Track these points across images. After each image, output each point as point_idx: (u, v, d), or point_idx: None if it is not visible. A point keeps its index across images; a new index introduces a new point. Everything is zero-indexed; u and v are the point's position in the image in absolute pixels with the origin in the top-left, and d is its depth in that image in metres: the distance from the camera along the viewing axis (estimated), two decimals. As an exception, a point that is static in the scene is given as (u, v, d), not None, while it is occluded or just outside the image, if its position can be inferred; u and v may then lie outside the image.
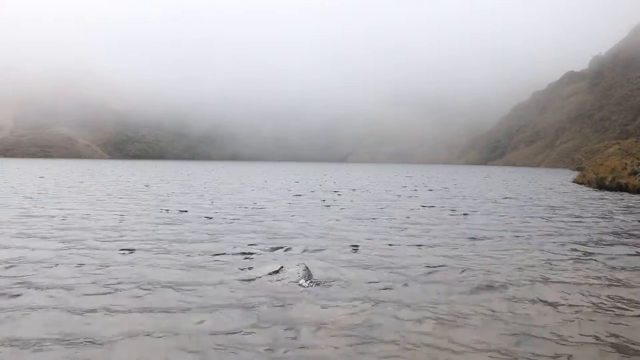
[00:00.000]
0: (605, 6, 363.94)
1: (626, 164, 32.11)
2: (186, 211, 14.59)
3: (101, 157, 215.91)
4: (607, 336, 4.83)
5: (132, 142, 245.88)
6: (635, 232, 11.69)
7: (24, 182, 28.71)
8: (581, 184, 36.38)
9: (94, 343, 4.43)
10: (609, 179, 30.08)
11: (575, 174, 46.12)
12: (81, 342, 4.44)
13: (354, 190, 26.97)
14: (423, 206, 17.51)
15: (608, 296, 6.13)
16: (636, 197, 23.79)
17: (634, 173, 28.88)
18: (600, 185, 30.71)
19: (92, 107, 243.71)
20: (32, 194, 20.09)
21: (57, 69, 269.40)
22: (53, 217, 12.61)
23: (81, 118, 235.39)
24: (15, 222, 11.64)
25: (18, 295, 5.72)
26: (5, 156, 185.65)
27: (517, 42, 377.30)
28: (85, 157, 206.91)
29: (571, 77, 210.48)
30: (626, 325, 5.13)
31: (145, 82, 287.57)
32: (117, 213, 13.71)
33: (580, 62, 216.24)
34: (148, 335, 4.67)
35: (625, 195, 25.14)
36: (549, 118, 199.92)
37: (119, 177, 38.37)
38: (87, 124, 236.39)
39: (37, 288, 5.99)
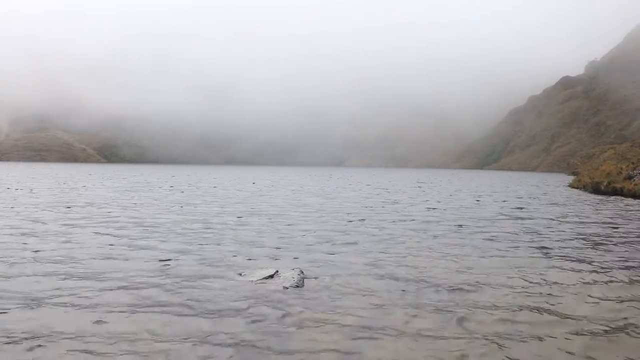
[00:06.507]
0: (601, 12, 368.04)
1: (622, 168, 32.20)
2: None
3: (97, 161, 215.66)
4: None
5: (128, 146, 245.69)
6: None
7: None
8: (577, 188, 36.52)
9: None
10: (605, 183, 30.19)
11: (571, 179, 45.98)
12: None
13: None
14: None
15: None
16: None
17: (629, 177, 28.99)
18: (596, 190, 30.81)
19: (88, 112, 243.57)
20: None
21: (54, 73, 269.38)
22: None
23: (77, 122, 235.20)
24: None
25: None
26: (1, 160, 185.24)
27: (513, 47, 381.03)
28: (81, 161, 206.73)
29: (567, 82, 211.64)
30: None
31: (143, 86, 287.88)
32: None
33: (576, 67, 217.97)
34: (134, 333, 4.68)
35: None
36: (544, 123, 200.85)
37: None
38: (83, 128, 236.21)
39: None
